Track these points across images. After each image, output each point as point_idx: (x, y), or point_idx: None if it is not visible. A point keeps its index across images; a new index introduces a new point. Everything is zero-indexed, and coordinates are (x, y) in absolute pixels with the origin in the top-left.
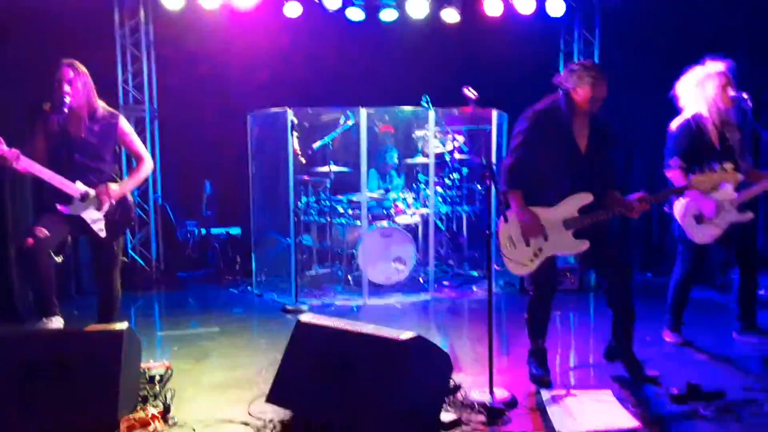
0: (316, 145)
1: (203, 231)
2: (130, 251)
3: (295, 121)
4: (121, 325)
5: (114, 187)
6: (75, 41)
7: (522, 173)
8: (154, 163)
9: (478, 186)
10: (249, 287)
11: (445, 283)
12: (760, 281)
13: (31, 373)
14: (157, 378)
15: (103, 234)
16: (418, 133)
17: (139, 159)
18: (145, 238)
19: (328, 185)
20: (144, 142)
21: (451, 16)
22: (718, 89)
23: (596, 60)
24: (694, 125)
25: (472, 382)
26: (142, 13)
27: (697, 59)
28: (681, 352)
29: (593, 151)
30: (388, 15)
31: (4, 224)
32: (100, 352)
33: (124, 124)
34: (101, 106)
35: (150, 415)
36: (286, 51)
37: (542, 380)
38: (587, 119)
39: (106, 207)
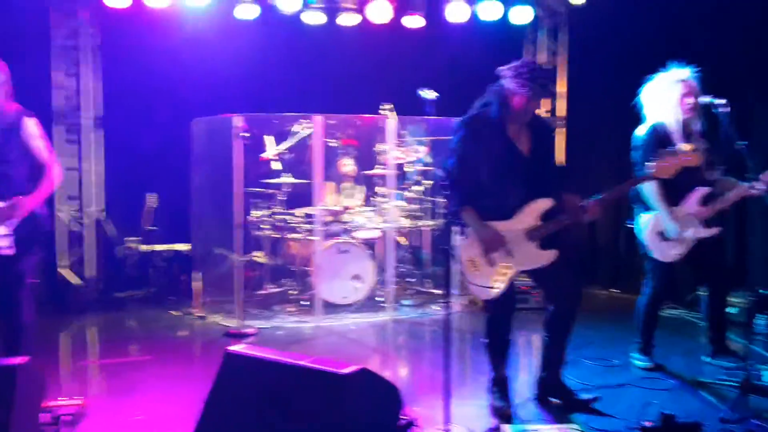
0: (267, 154)
1: (145, 248)
2: (62, 270)
3: (242, 128)
4: (18, 360)
5: (24, 201)
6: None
7: (470, 188)
8: (96, 176)
9: (442, 199)
10: (192, 309)
11: (405, 302)
12: (731, 300)
13: None
14: (65, 418)
15: (6, 252)
16: (379, 147)
17: (43, 167)
18: (80, 256)
19: (282, 198)
20: (81, 152)
21: (415, 21)
22: (679, 98)
23: (566, 70)
24: (661, 131)
25: (428, 418)
26: (82, 14)
27: (664, 67)
28: (652, 378)
29: (538, 153)
30: (347, 20)
31: None
32: None
33: (31, 125)
34: (13, 106)
35: None
36: (239, 55)
37: (503, 413)
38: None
39: (13, 223)
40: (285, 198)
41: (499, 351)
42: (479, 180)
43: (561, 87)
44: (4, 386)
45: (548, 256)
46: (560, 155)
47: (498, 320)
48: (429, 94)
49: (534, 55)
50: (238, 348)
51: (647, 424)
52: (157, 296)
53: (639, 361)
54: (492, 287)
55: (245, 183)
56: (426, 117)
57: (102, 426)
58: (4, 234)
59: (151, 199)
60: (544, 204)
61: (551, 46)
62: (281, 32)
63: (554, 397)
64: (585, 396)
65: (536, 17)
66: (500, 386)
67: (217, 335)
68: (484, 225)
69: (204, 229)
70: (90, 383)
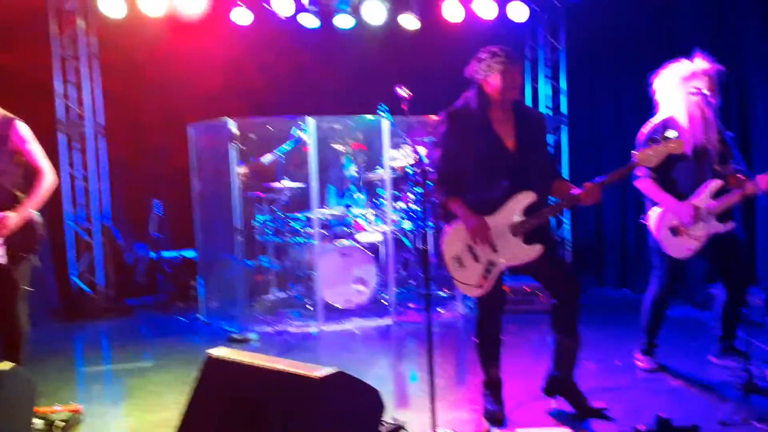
0: (266, 158)
1: (153, 254)
2: (74, 278)
3: (237, 133)
4: (3, 366)
5: (11, 217)
6: (5, 52)
7: (455, 181)
8: (101, 183)
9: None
10: (199, 315)
11: (411, 305)
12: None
13: None
14: (59, 424)
15: (2, 260)
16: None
17: (37, 173)
18: (91, 263)
19: (284, 202)
20: (88, 160)
21: (410, 22)
22: (695, 91)
23: (563, 66)
24: (662, 131)
25: (419, 421)
26: (80, 22)
27: (660, 61)
28: (653, 379)
29: (524, 145)
30: (343, 21)
31: None
32: None
33: (22, 130)
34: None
35: None
36: (236, 59)
37: (495, 417)
38: (510, 111)
39: (3, 235)
40: (286, 202)
41: (489, 351)
42: (463, 174)
43: (563, 83)
44: None
45: (534, 251)
46: (564, 152)
47: (487, 319)
48: (404, 92)
49: (535, 52)
50: (218, 352)
51: (641, 427)
52: (166, 302)
53: (641, 362)
54: (479, 285)
55: (248, 187)
56: (428, 116)
57: (96, 431)
58: None
59: (156, 206)
60: (527, 198)
61: (551, 42)
62: (277, 36)
63: (564, 396)
64: (597, 404)
65: (534, 14)
66: (492, 389)
67: (220, 341)
68: (472, 213)
69: (208, 235)
70: (91, 389)
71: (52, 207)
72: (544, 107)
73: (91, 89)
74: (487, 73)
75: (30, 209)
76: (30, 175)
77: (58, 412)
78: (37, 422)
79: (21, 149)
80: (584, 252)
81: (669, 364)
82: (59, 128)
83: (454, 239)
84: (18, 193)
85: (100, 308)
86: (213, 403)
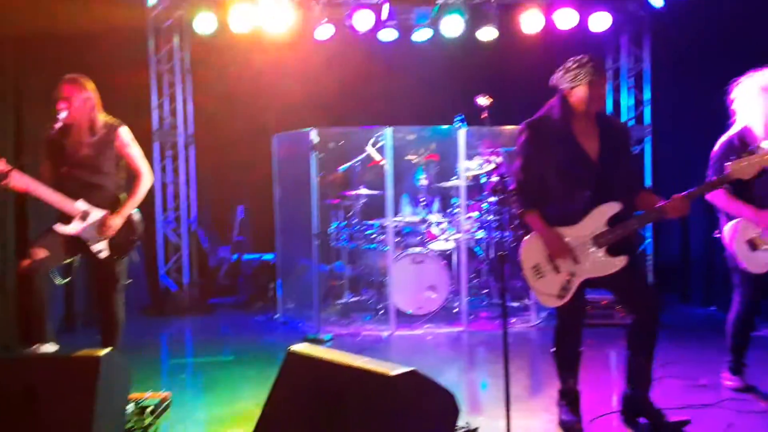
0: (343, 167)
1: (235, 257)
2: (162, 277)
3: (317, 141)
4: (102, 351)
5: (115, 218)
6: (109, 66)
7: (534, 192)
8: (190, 189)
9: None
10: (276, 315)
11: (483, 314)
12: None
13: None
14: (150, 409)
15: (103, 255)
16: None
17: (137, 174)
18: (178, 264)
19: (359, 209)
20: (179, 168)
21: (487, 34)
22: None
23: (648, 78)
24: (738, 142)
25: (492, 428)
26: (176, 39)
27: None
28: (741, 399)
29: (607, 155)
30: (421, 35)
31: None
32: (74, 379)
33: (125, 135)
34: (103, 118)
35: None
36: (318, 73)
37: (571, 428)
38: (593, 120)
39: (108, 235)
40: (361, 209)
41: (567, 362)
42: (543, 184)
43: (646, 93)
44: (88, 375)
45: (618, 262)
46: (647, 163)
47: (566, 330)
48: (483, 101)
49: (617, 62)
50: (299, 348)
51: None
52: (246, 303)
53: (728, 381)
54: (558, 295)
55: (325, 194)
56: (501, 127)
57: (182, 418)
58: (98, 238)
59: (241, 211)
60: (611, 208)
61: (635, 51)
62: (356, 48)
63: (642, 416)
64: (676, 418)
65: (617, 23)
66: (569, 399)
67: (296, 340)
68: (550, 229)
69: (287, 239)
70: (176, 379)
71: (145, 210)
72: (626, 118)
73: (183, 101)
74: (574, 83)
75: (129, 212)
76: (130, 177)
77: (148, 398)
78: (129, 406)
79: (123, 153)
80: (668, 268)
81: (758, 384)
82: (154, 138)
83: (534, 248)
84: (120, 195)
85: (185, 306)
86: (293, 395)
